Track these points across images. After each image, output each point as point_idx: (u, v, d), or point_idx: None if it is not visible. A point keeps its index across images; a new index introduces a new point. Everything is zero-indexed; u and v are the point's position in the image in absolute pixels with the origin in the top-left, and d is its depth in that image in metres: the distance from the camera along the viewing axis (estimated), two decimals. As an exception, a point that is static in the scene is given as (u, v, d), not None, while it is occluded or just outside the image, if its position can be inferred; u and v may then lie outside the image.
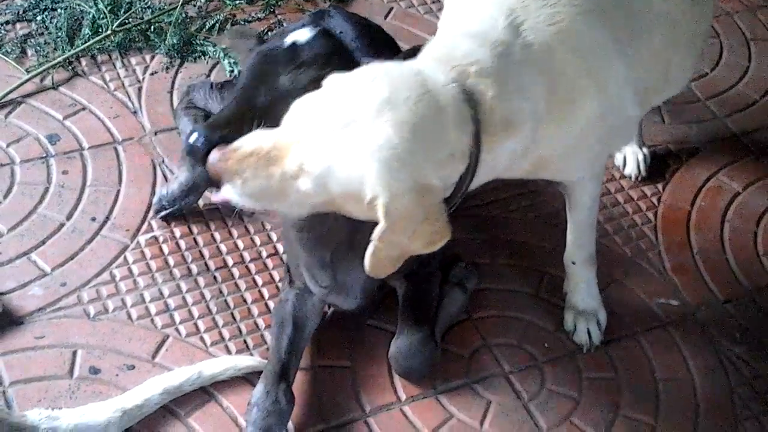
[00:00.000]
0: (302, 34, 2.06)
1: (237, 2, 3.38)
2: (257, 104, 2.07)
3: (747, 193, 2.97)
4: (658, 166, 3.01)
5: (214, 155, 1.89)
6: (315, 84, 1.97)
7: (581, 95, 2.05)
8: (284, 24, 3.27)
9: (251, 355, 2.46)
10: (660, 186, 2.96)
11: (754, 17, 3.56)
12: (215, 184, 1.93)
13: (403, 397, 2.42)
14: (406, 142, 1.78)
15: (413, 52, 2.02)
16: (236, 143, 1.88)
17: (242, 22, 3.32)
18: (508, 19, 1.98)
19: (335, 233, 2.26)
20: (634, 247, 2.80)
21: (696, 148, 3.09)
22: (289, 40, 2.07)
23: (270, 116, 2.02)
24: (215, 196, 1.98)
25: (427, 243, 1.89)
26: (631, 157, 2.95)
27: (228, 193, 1.90)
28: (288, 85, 2.06)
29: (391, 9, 3.45)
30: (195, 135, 2.07)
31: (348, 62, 2.11)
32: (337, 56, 2.10)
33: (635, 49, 2.15)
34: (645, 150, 2.96)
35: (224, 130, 2.05)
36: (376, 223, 1.84)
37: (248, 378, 2.40)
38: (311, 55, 2.06)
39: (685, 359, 2.56)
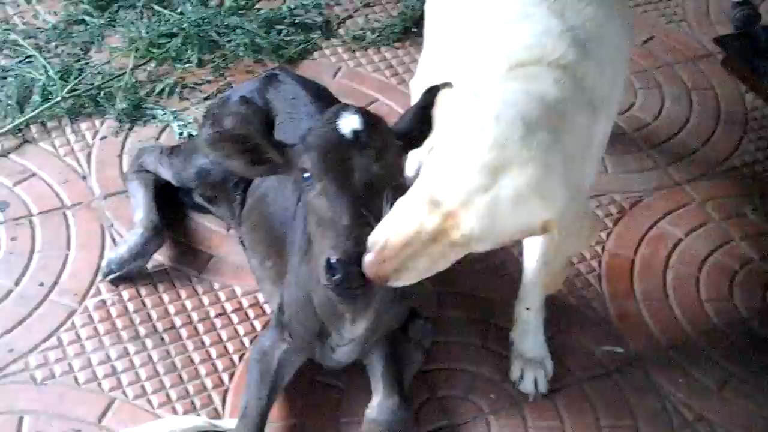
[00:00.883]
0: (355, 121, 2.03)
1: (186, 65, 3.43)
2: (360, 201, 2.00)
3: (689, 240, 3.02)
4: (602, 216, 3.06)
5: (369, 264, 1.89)
6: (400, 159, 2.02)
7: (624, 68, 2.20)
8: (233, 86, 3.32)
9: (198, 415, 2.47)
10: (603, 234, 3.01)
11: (695, 67, 3.64)
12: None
13: (350, 452, 2.44)
14: (554, 160, 1.84)
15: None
16: (378, 241, 1.89)
17: (192, 85, 3.36)
18: (550, 11, 2.10)
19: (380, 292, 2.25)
20: (579, 296, 2.84)
21: (639, 197, 3.14)
22: (346, 129, 2.02)
23: (375, 207, 2.01)
24: None
25: (588, 237, 1.98)
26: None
27: (394, 284, 1.94)
28: (381, 173, 2.02)
29: (340, 68, 3.51)
30: (337, 265, 1.95)
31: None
32: (389, 128, 2.09)
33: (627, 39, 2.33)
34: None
35: (360, 244, 1.95)
36: None
37: (194, 438, 2.41)
38: (379, 137, 2.03)
39: (629, 405, 2.59)
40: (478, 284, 2.85)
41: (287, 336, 2.43)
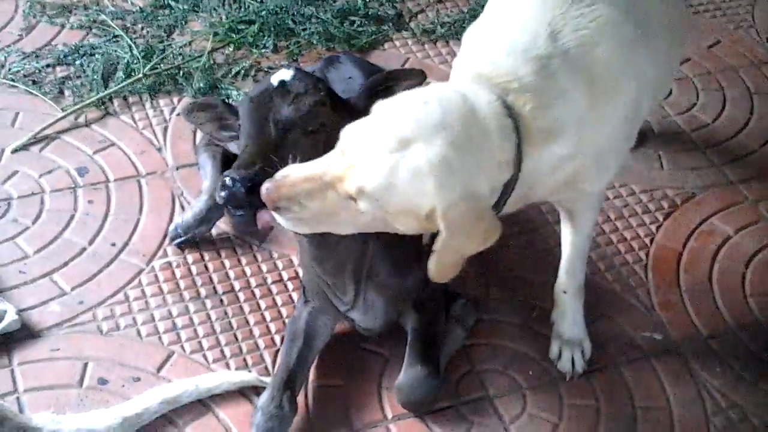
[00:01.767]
0: (286, 74, 2.25)
1: (262, 51, 3.60)
2: (270, 137, 2.22)
3: (739, 237, 3.07)
4: (654, 209, 3.13)
5: (267, 185, 2.04)
6: (317, 107, 2.21)
7: (622, 84, 2.23)
8: (304, 71, 3.47)
9: (249, 372, 2.61)
10: (653, 227, 3.08)
11: (758, 72, 3.69)
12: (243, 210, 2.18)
13: (390, 415, 2.56)
14: (457, 158, 1.96)
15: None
16: (284, 172, 2.05)
17: (266, 69, 3.53)
18: (549, 29, 2.17)
19: (349, 260, 2.44)
20: (624, 284, 2.92)
21: (692, 194, 3.20)
22: (275, 80, 2.25)
23: (284, 145, 2.20)
24: (260, 219, 2.19)
25: (481, 241, 2.07)
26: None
27: (281, 220, 2.09)
28: (292, 115, 2.22)
29: (408, 59, 3.64)
30: (229, 181, 2.16)
31: (336, 98, 2.32)
32: (321, 84, 2.29)
33: (653, 45, 2.35)
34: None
35: (252, 168, 2.17)
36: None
37: (244, 392, 2.56)
38: (302, 86, 2.24)
39: (664, 389, 2.66)
40: (526, 268, 2.95)
41: (312, 300, 2.60)
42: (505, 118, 2.05)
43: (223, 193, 2.17)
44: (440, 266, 2.08)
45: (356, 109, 2.28)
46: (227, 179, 2.16)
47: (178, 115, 3.33)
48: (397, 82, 2.31)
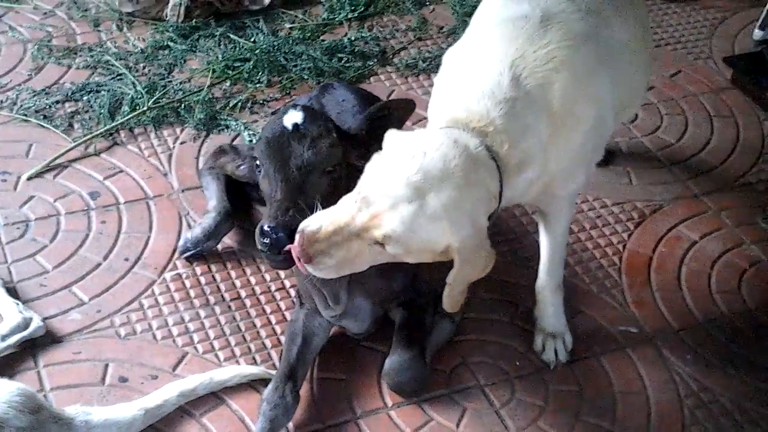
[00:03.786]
0: (297, 116, 2.47)
1: (257, 85, 3.86)
2: (294, 181, 2.43)
3: (704, 242, 3.34)
4: (625, 219, 3.40)
5: (300, 240, 2.27)
6: (333, 148, 2.46)
7: (581, 111, 2.51)
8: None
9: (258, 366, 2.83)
10: (625, 235, 3.34)
11: (717, 98, 3.99)
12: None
13: (390, 403, 2.77)
14: (463, 199, 2.27)
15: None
16: (312, 226, 2.28)
17: (261, 102, 3.79)
18: (511, 71, 2.44)
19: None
20: (600, 285, 3.17)
21: (660, 205, 3.47)
22: (288, 123, 2.47)
23: (307, 187, 2.44)
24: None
25: (483, 267, 2.38)
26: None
27: (312, 270, 2.32)
28: (312, 158, 2.45)
29: (393, 90, 3.92)
30: (269, 230, 2.36)
31: (337, 128, 2.56)
32: (331, 123, 2.54)
33: (613, 69, 2.62)
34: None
35: (287, 214, 2.39)
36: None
37: (254, 385, 2.77)
38: (315, 129, 2.48)
39: (640, 375, 2.90)
40: (510, 273, 3.19)
41: (306, 303, 2.84)
42: (490, 160, 2.35)
43: (266, 241, 2.37)
44: (452, 296, 2.39)
45: (357, 137, 2.54)
46: (267, 228, 2.37)
47: (182, 143, 3.57)
48: (391, 111, 2.60)
